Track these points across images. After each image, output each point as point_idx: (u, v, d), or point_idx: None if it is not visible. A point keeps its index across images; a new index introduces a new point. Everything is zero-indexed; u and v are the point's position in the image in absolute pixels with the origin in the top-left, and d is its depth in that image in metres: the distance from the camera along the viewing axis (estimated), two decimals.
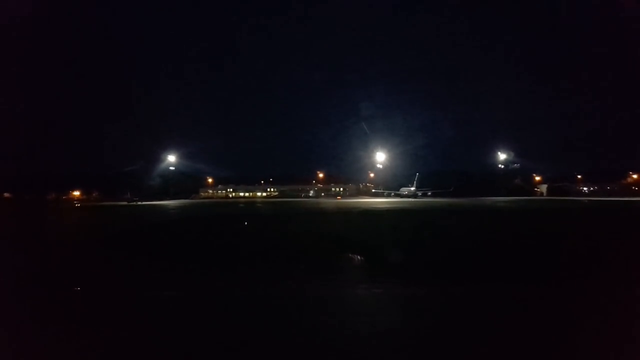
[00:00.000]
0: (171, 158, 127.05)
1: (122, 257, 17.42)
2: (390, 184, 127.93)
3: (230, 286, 12.12)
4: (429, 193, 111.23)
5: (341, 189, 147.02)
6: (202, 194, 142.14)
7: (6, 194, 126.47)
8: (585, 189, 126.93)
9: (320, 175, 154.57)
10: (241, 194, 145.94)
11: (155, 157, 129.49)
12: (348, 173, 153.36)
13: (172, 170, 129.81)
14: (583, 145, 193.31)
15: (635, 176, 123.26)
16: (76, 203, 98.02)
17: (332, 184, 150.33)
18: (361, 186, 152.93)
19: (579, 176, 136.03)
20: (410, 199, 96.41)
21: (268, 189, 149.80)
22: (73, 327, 8.39)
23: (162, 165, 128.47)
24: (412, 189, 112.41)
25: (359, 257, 16.68)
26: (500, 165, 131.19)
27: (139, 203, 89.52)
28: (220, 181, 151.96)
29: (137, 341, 7.57)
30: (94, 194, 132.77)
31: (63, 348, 7.30)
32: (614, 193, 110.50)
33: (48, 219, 44.87)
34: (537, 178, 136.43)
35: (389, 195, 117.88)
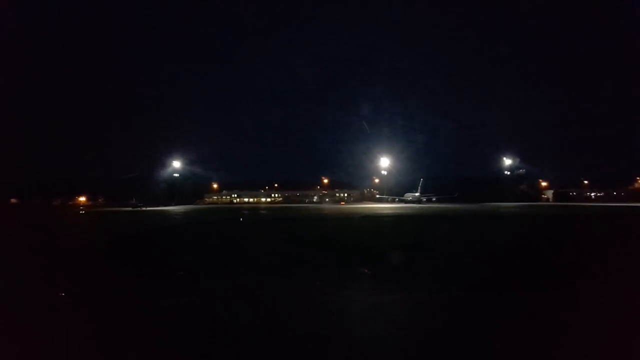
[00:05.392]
0: (176, 164, 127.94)
1: (121, 265, 17.32)
2: (394, 189, 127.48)
3: (237, 291, 11.98)
4: (434, 199, 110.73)
5: (345, 195, 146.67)
6: (206, 199, 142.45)
7: (12, 200, 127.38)
8: (592, 194, 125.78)
9: (325, 180, 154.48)
10: (245, 199, 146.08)
11: (161, 163, 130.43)
12: (352, 179, 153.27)
13: (177, 176, 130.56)
14: (590, 151, 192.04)
15: None
16: (81, 209, 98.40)
17: (337, 190, 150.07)
18: (365, 192, 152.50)
19: (586, 182, 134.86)
20: (414, 205, 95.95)
21: (272, 195, 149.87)
22: (77, 335, 8.29)
23: (167, 171, 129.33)
24: (417, 194, 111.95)
25: (361, 263, 16.44)
26: (505, 171, 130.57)
27: (144, 209, 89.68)
28: (224, 187, 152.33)
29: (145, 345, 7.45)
30: (99, 200, 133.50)
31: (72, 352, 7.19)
32: (621, 199, 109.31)
33: (51, 225, 45.01)
34: (544, 184, 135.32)
35: (393, 201, 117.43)
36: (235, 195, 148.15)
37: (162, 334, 8.34)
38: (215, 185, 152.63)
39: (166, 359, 7.14)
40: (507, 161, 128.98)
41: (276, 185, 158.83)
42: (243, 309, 10.17)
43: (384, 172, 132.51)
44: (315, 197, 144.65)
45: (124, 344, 7.71)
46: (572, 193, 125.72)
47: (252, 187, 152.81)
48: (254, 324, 8.83)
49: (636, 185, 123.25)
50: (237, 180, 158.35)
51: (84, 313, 10.00)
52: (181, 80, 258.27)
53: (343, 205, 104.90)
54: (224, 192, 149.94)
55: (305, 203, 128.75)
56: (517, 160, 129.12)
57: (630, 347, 7.20)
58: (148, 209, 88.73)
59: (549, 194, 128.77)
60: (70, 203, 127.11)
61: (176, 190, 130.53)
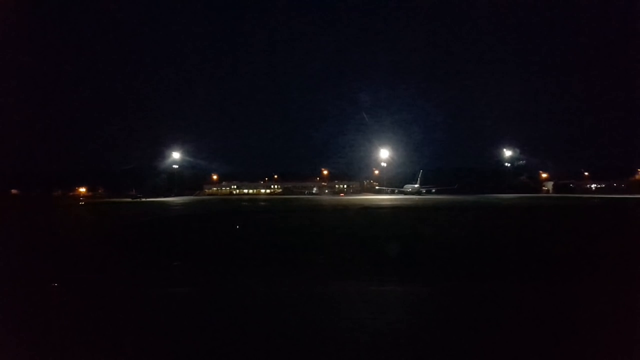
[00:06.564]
0: (176, 155, 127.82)
1: (118, 255, 17.31)
2: (394, 181, 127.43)
3: (230, 282, 11.97)
4: (433, 190, 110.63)
5: (345, 186, 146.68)
6: (206, 190, 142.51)
7: (13, 191, 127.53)
8: (592, 186, 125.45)
9: (325, 172, 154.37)
10: (245, 190, 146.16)
11: (160, 154, 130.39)
12: (352, 170, 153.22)
13: (177, 167, 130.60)
14: (590, 142, 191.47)
15: None
16: (81, 199, 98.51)
17: (336, 181, 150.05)
18: (365, 183, 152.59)
19: (586, 173, 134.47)
20: (414, 196, 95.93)
21: (272, 186, 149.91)
22: (78, 323, 8.30)
23: (167, 162, 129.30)
24: (416, 186, 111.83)
25: (357, 252, 16.39)
26: (505, 163, 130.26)
27: (143, 199, 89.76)
28: (224, 178, 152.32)
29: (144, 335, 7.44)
30: (99, 191, 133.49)
31: (68, 343, 7.20)
32: (622, 190, 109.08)
33: (50, 216, 45.05)
34: (544, 175, 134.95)
35: (392, 193, 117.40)
36: (235, 187, 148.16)
37: (151, 322, 8.32)
38: (214, 177, 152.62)
39: (152, 346, 7.10)
40: (508, 153, 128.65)
41: (276, 176, 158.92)
42: (233, 299, 10.14)
43: (384, 164, 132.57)
44: (315, 189, 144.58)
45: (113, 331, 7.68)
46: (572, 185, 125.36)
47: (251, 178, 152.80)
48: (241, 313, 8.80)
49: (637, 177, 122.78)
50: (237, 171, 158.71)
51: (76, 302, 9.99)
52: (181, 72, 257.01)
53: (342, 197, 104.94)
54: (224, 183, 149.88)
55: (304, 194, 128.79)
56: (518, 151, 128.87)
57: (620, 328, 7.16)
58: (147, 200, 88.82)
59: (549, 185, 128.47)
60: (70, 194, 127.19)
61: (176, 181, 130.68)
